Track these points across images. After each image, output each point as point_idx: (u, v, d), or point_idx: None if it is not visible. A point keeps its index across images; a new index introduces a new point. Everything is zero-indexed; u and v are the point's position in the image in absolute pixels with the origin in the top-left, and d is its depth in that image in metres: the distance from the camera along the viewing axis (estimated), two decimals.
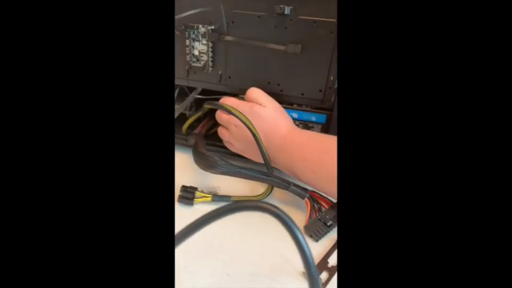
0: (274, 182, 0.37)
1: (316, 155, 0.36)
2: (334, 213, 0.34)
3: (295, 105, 0.43)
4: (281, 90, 0.42)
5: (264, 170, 0.38)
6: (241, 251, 0.32)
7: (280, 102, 0.42)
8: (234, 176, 0.37)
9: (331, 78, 0.40)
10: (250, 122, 0.38)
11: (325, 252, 0.31)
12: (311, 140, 0.38)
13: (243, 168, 0.37)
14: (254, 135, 0.38)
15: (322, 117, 0.42)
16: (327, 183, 0.35)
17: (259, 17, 0.39)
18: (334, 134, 0.41)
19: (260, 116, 0.39)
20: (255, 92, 0.41)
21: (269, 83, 0.42)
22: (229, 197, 0.39)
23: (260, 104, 0.40)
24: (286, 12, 0.37)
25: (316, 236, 0.33)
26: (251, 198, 0.39)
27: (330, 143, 0.36)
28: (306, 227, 0.33)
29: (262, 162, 0.40)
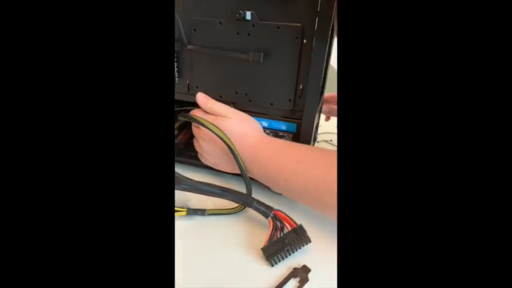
0: (237, 199, 0.35)
1: (288, 165, 0.35)
2: (294, 237, 0.31)
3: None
4: (249, 100, 0.40)
5: (226, 186, 0.36)
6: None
7: (250, 112, 0.40)
8: (196, 192, 0.35)
9: (300, 87, 0.37)
10: (224, 133, 0.36)
11: (279, 280, 0.29)
12: (282, 149, 0.36)
13: (205, 184, 0.35)
14: (230, 147, 0.36)
15: (292, 126, 0.40)
16: (300, 193, 0.35)
17: (220, 23, 0.36)
18: (303, 143, 0.39)
19: (226, 128, 0.37)
20: (215, 105, 0.39)
21: (236, 92, 0.40)
22: (205, 210, 0.38)
23: (224, 116, 0.38)
24: (247, 18, 0.35)
25: (273, 260, 0.30)
26: (226, 212, 0.38)
27: (300, 151, 0.35)
28: (264, 249, 0.31)
29: (238, 172, 0.38)
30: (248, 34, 0.36)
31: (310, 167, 0.33)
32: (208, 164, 0.42)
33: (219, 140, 0.37)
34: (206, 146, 0.40)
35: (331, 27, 0.32)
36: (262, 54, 0.35)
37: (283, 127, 0.40)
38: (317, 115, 0.45)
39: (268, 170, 0.36)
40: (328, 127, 0.68)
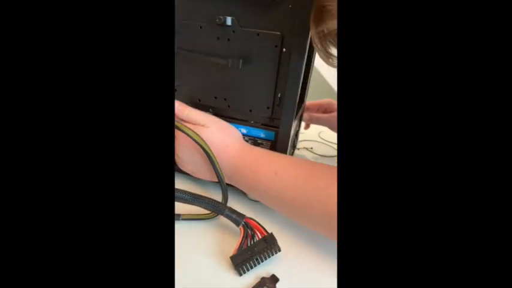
0: (208, 207, 0.34)
1: (267, 176, 0.35)
2: (264, 246, 0.31)
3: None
4: (228, 106, 0.40)
5: (204, 193, 0.36)
6: None
7: (229, 118, 0.40)
8: None
9: (279, 96, 0.37)
10: (204, 141, 0.36)
11: None
12: (260, 160, 0.36)
13: (176, 190, 0.34)
14: (209, 155, 0.36)
15: (270, 134, 0.40)
16: (278, 204, 0.35)
17: (200, 27, 0.36)
18: (280, 151, 0.39)
19: (205, 138, 0.36)
20: (192, 113, 0.38)
21: (216, 97, 0.40)
22: (179, 215, 0.37)
23: (203, 126, 0.37)
24: (227, 23, 0.35)
25: (241, 269, 0.30)
26: (201, 217, 0.37)
27: (279, 163, 0.35)
28: (233, 258, 0.30)
29: (216, 181, 0.38)
30: (228, 39, 0.36)
31: (288, 179, 0.33)
32: (186, 171, 0.41)
33: (198, 148, 0.36)
34: (185, 153, 0.39)
35: (309, 37, 0.33)
36: (241, 60, 0.35)
37: (262, 135, 0.40)
38: (296, 123, 0.45)
39: (248, 180, 0.36)
40: (309, 135, 0.69)
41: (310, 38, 0.33)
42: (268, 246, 0.31)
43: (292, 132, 0.39)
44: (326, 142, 0.68)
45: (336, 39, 0.36)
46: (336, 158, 0.62)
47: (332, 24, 0.30)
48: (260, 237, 0.32)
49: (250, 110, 0.39)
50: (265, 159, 0.36)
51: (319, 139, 0.69)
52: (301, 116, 0.55)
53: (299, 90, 0.36)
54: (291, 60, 0.33)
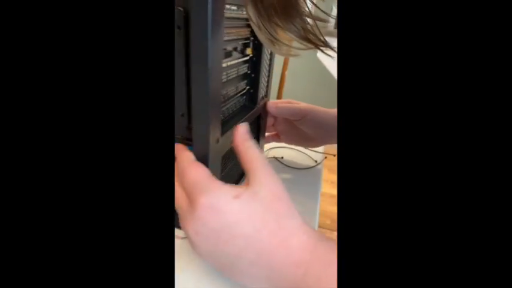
0: None
1: None
2: None
3: None
4: None
5: None
6: None
7: None
8: None
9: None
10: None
11: None
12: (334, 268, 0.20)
13: None
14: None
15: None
16: None
17: None
18: None
19: (221, 235, 0.21)
20: (251, 151, 0.25)
21: None
22: None
23: (248, 185, 0.23)
24: None
25: None
26: None
27: None
28: None
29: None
30: None
31: None
32: (201, 257, 0.23)
33: (247, 229, 0.21)
34: (208, 235, 0.22)
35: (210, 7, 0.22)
36: None
37: None
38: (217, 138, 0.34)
39: None
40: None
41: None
42: None
43: (215, 148, 0.28)
44: (299, 149, 0.57)
45: (282, 16, 0.27)
46: (313, 169, 0.51)
47: None
48: None
49: None
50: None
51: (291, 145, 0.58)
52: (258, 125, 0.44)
53: (214, 86, 0.25)
54: (190, 42, 0.23)
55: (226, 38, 0.29)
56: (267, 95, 0.45)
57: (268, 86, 0.45)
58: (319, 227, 1.37)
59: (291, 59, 1.46)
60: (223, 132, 0.29)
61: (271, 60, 0.43)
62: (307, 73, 2.30)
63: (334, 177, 1.75)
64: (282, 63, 1.37)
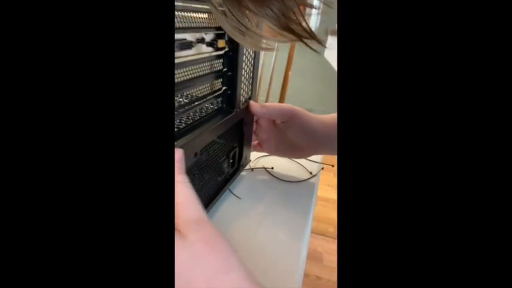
0: None
1: None
2: None
3: None
4: None
5: None
6: None
7: None
8: None
9: None
10: None
11: None
12: None
13: None
14: None
15: None
16: None
17: None
18: None
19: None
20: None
21: None
22: None
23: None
24: None
25: None
26: None
27: None
28: None
29: None
30: None
31: None
32: None
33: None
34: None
35: None
36: None
37: None
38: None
39: None
40: None
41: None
42: None
43: None
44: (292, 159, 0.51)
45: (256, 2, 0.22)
46: (305, 183, 0.45)
47: None
48: None
49: None
50: None
51: None
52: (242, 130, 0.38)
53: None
54: None
55: (179, 25, 0.23)
56: (251, 97, 0.39)
57: (252, 87, 0.38)
58: (321, 234, 1.30)
59: (296, 58, 1.39)
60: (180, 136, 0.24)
61: (255, 56, 0.36)
62: (313, 73, 2.22)
63: None
64: (285, 63, 1.30)
